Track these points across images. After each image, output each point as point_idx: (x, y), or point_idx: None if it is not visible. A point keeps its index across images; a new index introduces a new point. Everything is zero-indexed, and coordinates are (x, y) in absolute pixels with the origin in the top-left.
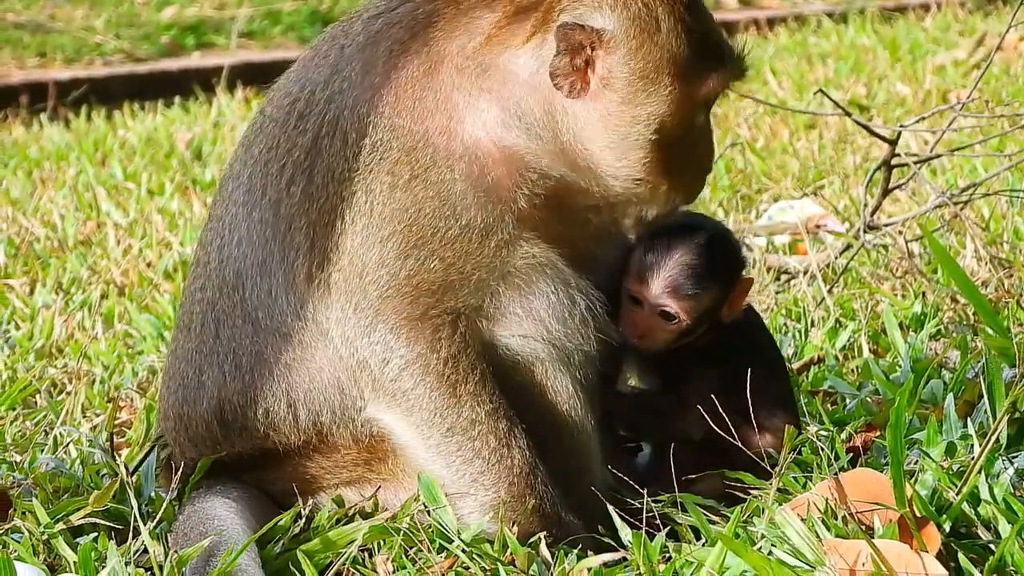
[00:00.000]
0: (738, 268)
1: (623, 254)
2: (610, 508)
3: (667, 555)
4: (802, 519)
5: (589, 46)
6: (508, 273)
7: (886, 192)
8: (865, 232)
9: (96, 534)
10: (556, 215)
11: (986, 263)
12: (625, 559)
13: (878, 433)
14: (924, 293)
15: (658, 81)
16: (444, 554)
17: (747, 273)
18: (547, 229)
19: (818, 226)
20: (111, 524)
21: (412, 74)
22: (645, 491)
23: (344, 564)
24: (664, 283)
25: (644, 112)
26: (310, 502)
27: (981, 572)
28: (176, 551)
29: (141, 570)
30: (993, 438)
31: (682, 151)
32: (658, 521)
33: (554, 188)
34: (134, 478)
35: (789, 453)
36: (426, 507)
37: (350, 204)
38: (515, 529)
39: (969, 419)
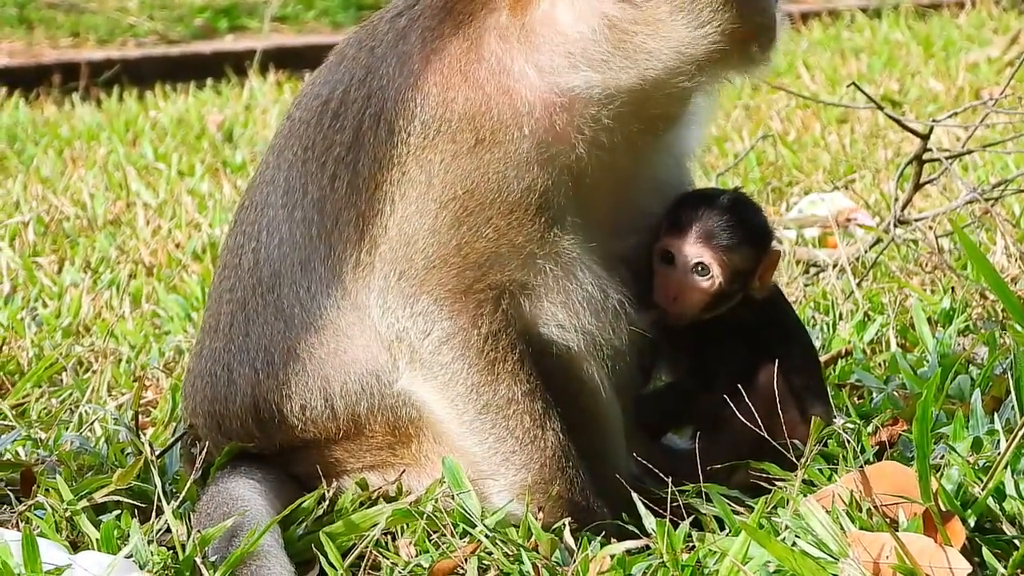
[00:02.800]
0: (768, 236)
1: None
2: (634, 496)
3: (691, 544)
4: (827, 511)
5: None
6: (555, 254)
7: (917, 187)
8: (895, 227)
9: (119, 512)
10: (615, 160)
11: (1016, 260)
12: (648, 547)
13: (904, 427)
14: (953, 288)
15: None
16: (467, 539)
17: (776, 246)
18: (594, 201)
19: (848, 220)
20: (134, 502)
21: (454, 52)
22: (670, 480)
23: (367, 547)
24: (699, 233)
25: None
26: (334, 485)
27: (1005, 567)
28: (199, 531)
29: (164, 549)
30: (1020, 434)
31: None
32: (682, 510)
33: (620, 112)
34: (158, 457)
35: (815, 445)
36: (450, 492)
37: (402, 184)
38: (540, 514)
39: (996, 415)
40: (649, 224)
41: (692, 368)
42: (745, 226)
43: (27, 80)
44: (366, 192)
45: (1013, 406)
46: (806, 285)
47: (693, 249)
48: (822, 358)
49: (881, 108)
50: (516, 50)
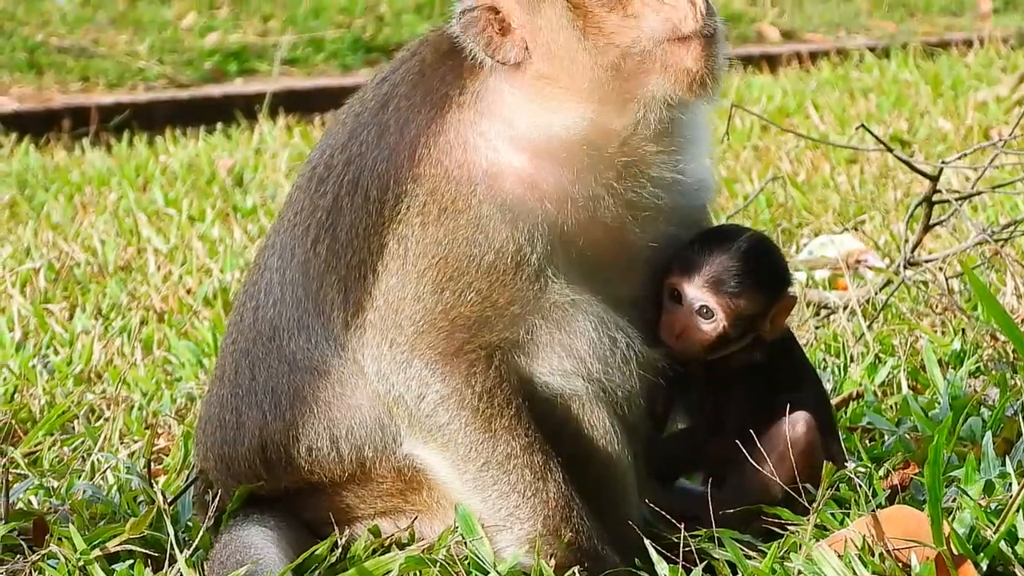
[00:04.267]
0: (782, 281)
1: (663, 267)
2: (646, 542)
3: None
4: (839, 556)
5: (491, 16)
6: (545, 309)
7: (927, 228)
8: (905, 268)
9: (132, 561)
10: (599, 208)
11: None
12: None
13: (916, 470)
14: (964, 330)
15: None
16: None
17: (792, 291)
18: (580, 248)
19: (858, 261)
20: (147, 551)
21: (421, 124)
22: (682, 525)
23: None
24: (706, 277)
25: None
26: (346, 532)
27: None
28: None
29: None
30: None
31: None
32: (695, 555)
33: (580, 163)
34: (171, 505)
35: (827, 489)
36: (463, 538)
37: (381, 254)
38: (552, 562)
39: (1008, 457)
40: (659, 259)
41: (704, 412)
42: (757, 272)
43: (37, 125)
44: (344, 257)
45: None
46: (816, 327)
47: (699, 292)
48: (833, 401)
49: (890, 149)
50: (471, 120)
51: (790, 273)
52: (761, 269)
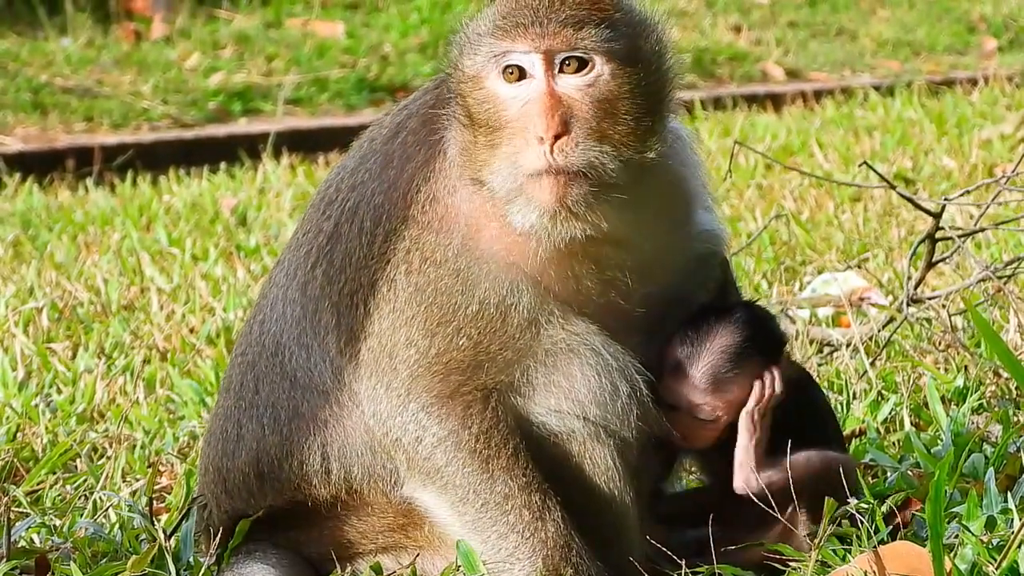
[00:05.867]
0: (774, 352)
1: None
2: None
3: None
4: None
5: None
6: (538, 354)
7: (930, 265)
8: (909, 305)
9: None
10: (580, 270)
11: None
12: None
13: (918, 506)
14: (967, 367)
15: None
16: None
17: (785, 348)
18: (573, 291)
19: (862, 299)
20: None
21: (418, 164)
22: (683, 563)
23: None
24: (697, 382)
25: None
26: (348, 568)
27: None
28: None
29: None
30: None
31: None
32: None
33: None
34: (172, 543)
35: (829, 525)
36: None
37: (372, 291)
38: None
39: (1010, 493)
40: (663, 318)
41: (720, 478)
42: (746, 359)
43: (41, 165)
44: (338, 284)
45: None
46: (819, 365)
47: (693, 398)
48: None
49: (894, 187)
50: (453, 170)
51: (781, 334)
52: (750, 353)
